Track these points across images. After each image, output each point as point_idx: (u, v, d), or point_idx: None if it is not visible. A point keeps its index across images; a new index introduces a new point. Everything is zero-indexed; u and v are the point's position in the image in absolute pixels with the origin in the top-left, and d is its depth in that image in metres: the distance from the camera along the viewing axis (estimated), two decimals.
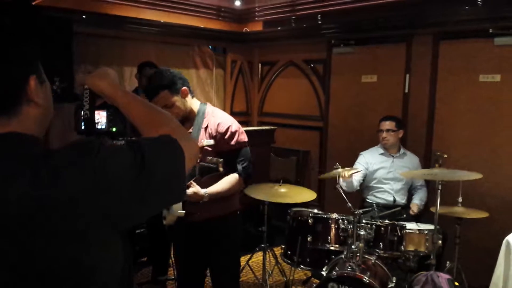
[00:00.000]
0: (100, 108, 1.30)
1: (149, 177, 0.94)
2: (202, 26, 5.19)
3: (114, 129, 1.34)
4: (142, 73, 4.07)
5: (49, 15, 3.97)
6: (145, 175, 0.94)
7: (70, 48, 4.10)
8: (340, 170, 3.29)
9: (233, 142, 2.44)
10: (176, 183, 1.04)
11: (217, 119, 2.46)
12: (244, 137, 2.50)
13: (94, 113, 1.32)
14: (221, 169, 2.26)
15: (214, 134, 2.42)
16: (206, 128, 2.46)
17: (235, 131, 2.45)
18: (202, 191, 2.34)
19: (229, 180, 2.44)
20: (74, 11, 4.16)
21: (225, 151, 2.42)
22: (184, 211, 2.35)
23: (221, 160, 2.27)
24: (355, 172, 3.67)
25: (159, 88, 2.38)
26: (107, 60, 4.70)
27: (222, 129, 2.42)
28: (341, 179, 3.72)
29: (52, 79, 3.69)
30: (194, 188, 2.31)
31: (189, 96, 2.47)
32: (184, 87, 2.43)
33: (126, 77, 4.83)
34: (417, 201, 3.85)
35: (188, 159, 1.04)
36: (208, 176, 2.38)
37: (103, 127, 1.34)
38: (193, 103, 2.51)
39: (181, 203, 2.34)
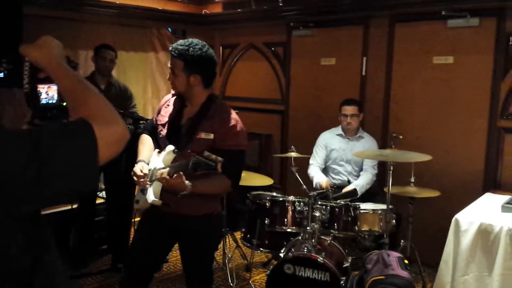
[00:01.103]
0: (47, 80, 1.23)
1: (41, 166, 0.91)
2: (160, 8, 5.08)
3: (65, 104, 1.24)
4: (99, 54, 3.96)
5: None
6: (37, 165, 0.90)
7: (20, 31, 3.94)
8: (293, 154, 3.32)
9: (232, 143, 2.27)
10: (81, 173, 0.98)
11: (223, 114, 2.31)
12: (245, 141, 2.36)
13: (36, 87, 1.25)
14: (219, 169, 2.02)
15: (215, 128, 2.26)
16: (210, 118, 2.30)
17: (238, 132, 2.30)
18: (187, 182, 2.14)
19: (218, 182, 2.25)
20: None
21: (222, 149, 2.20)
22: (160, 201, 2.26)
23: (222, 159, 2.00)
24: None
25: (180, 56, 2.24)
26: (62, 43, 4.54)
27: (226, 125, 2.26)
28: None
29: (0, 61, 3.54)
30: (179, 177, 2.11)
31: (200, 85, 2.30)
32: (196, 76, 2.26)
33: (81, 60, 4.68)
34: (359, 182, 3.88)
35: (105, 145, 0.99)
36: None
37: (54, 101, 1.27)
38: (202, 93, 2.33)
39: (159, 191, 2.24)
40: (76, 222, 3.92)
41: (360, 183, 3.85)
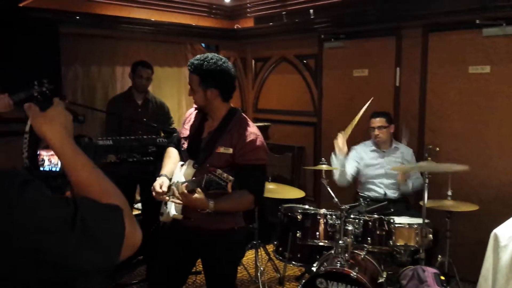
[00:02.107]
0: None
1: (79, 236, 0.87)
2: (193, 24, 5.19)
3: None
4: (136, 72, 4.07)
5: (35, 17, 3.98)
6: (76, 234, 0.87)
7: (57, 49, 4.10)
8: (325, 166, 3.29)
9: (252, 158, 2.23)
10: (106, 249, 0.93)
11: (242, 128, 2.27)
12: (265, 155, 2.31)
13: (36, 156, 1.15)
14: (229, 189, 2.01)
15: (235, 142, 2.24)
16: (229, 132, 2.28)
17: (258, 147, 2.25)
18: (210, 202, 2.14)
19: (240, 198, 2.23)
20: (62, 11, 4.16)
21: (241, 164, 2.23)
22: (181, 215, 2.28)
23: (232, 179, 2.00)
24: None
25: (195, 71, 2.24)
26: (98, 60, 4.70)
27: (245, 140, 2.23)
28: (337, 174, 3.76)
29: (41, 81, 3.68)
30: (199, 195, 2.12)
31: (217, 98, 2.28)
32: (213, 90, 2.25)
33: (117, 77, 4.83)
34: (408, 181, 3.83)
35: (125, 244, 0.94)
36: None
37: (57, 169, 1.11)
38: (221, 106, 2.33)
39: (180, 206, 2.25)
40: None
41: (413, 181, 3.82)
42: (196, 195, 2.13)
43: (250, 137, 2.24)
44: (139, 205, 4.18)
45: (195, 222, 2.30)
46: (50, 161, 1.22)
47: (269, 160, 5.44)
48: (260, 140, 2.27)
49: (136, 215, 4.23)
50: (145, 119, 3.95)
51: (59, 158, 1.05)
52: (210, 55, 2.27)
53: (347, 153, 3.89)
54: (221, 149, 2.25)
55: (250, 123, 2.34)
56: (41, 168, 1.16)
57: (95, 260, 0.91)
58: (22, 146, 1.12)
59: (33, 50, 3.86)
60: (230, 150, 2.23)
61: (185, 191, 2.13)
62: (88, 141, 1.21)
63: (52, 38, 4.07)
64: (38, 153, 1.14)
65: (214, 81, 2.24)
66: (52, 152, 1.06)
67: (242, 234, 2.44)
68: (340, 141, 3.79)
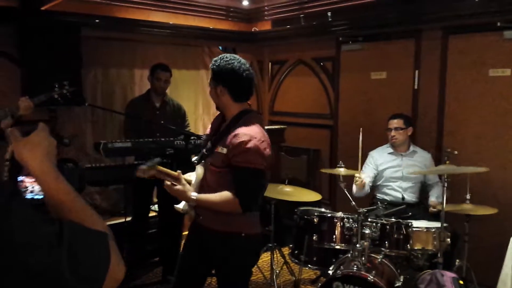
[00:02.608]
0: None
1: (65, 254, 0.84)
2: (211, 27, 5.23)
3: None
4: (154, 75, 4.11)
5: (57, 20, 4.05)
6: (63, 251, 0.84)
7: (78, 52, 4.17)
8: (342, 170, 3.28)
9: (241, 160, 2.18)
10: (90, 273, 0.89)
11: (240, 128, 2.23)
12: (258, 159, 2.19)
13: (17, 181, 1.07)
14: (153, 172, 2.22)
15: (229, 142, 2.22)
16: (230, 132, 2.27)
17: (248, 149, 2.17)
18: (192, 193, 2.24)
19: (223, 199, 2.22)
20: (83, 15, 4.23)
21: (232, 165, 2.21)
22: (182, 208, 2.38)
23: (156, 160, 2.20)
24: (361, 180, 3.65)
25: (211, 67, 2.31)
26: (117, 63, 4.77)
27: (236, 141, 2.19)
28: (355, 187, 3.73)
29: (62, 83, 3.74)
30: (180, 186, 2.23)
31: (227, 97, 2.29)
32: (222, 87, 2.27)
33: (136, 79, 4.89)
34: (434, 198, 3.77)
35: (109, 274, 0.90)
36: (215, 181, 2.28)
37: (40, 197, 1.02)
38: (232, 106, 2.32)
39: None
40: (129, 234, 4.05)
41: (438, 195, 3.72)
42: (177, 186, 2.24)
43: (242, 138, 2.18)
44: (156, 207, 4.21)
45: (204, 220, 2.36)
46: (33, 187, 1.18)
47: (284, 163, 5.47)
48: (254, 143, 2.18)
49: (152, 216, 4.27)
50: (162, 122, 3.98)
51: (39, 185, 0.99)
52: (229, 55, 2.29)
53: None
54: (219, 149, 2.27)
55: (255, 124, 2.27)
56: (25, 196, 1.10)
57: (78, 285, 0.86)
58: (2, 174, 1.04)
59: (55, 53, 3.93)
60: (225, 150, 2.23)
61: (169, 184, 2.25)
62: (73, 166, 1.18)
63: (74, 41, 4.14)
64: (21, 180, 1.08)
65: (222, 79, 2.26)
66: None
67: (252, 241, 2.35)
68: (359, 181, 3.71)
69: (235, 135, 2.20)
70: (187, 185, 2.27)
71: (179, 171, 2.30)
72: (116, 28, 4.57)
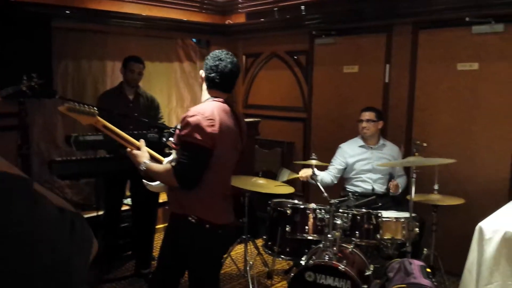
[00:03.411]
0: None
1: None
2: (184, 19, 5.18)
3: None
4: (128, 67, 4.05)
5: (27, 11, 3.95)
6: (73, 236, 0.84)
7: (49, 44, 4.09)
8: (314, 162, 3.33)
9: (182, 132, 2.27)
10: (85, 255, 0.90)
11: (194, 107, 2.35)
12: (193, 133, 2.22)
13: None
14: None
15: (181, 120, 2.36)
16: None
17: (187, 122, 2.24)
18: (145, 160, 2.38)
19: (164, 167, 2.34)
20: (54, 6, 4.14)
21: (178, 139, 2.34)
22: (148, 183, 2.47)
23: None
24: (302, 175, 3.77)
25: None
26: (89, 55, 4.69)
27: (182, 116, 2.31)
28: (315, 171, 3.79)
29: (30, 76, 3.66)
30: (135, 151, 2.41)
31: (204, 84, 2.45)
32: (203, 74, 2.44)
33: (108, 71, 4.82)
34: (397, 181, 3.86)
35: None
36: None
37: None
38: (204, 94, 2.47)
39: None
40: (101, 228, 4.02)
41: (401, 183, 3.86)
42: (134, 151, 2.42)
43: (188, 113, 2.28)
44: (129, 201, 4.18)
45: (169, 206, 2.51)
46: None
47: (258, 156, 5.48)
48: (197, 117, 2.23)
49: (126, 210, 4.25)
50: (136, 114, 3.95)
51: None
52: (225, 50, 2.46)
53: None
54: (178, 127, 2.37)
55: (211, 105, 2.33)
56: None
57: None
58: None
59: (25, 44, 3.84)
60: (179, 126, 2.35)
61: (128, 150, 2.44)
62: None
63: (44, 33, 4.05)
64: None
65: (204, 68, 2.44)
66: None
67: (214, 230, 2.37)
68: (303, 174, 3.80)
69: (186, 112, 2.33)
70: (146, 153, 2.42)
71: (142, 140, 2.48)
72: (88, 20, 4.48)
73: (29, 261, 0.76)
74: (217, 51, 2.43)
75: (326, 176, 3.99)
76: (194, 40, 5.64)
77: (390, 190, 3.82)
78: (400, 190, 3.83)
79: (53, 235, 0.81)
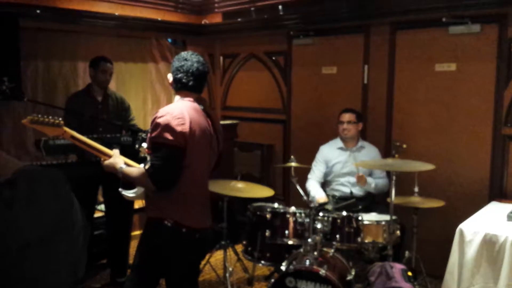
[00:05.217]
0: None
1: None
2: (159, 19, 5.05)
3: None
4: (99, 68, 3.90)
5: None
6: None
7: (17, 44, 3.92)
8: (293, 164, 3.25)
9: (151, 134, 2.23)
10: None
11: (163, 108, 2.32)
12: (162, 134, 2.19)
13: None
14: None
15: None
16: None
17: (158, 124, 2.19)
18: (121, 165, 2.36)
19: (139, 170, 2.30)
20: (22, 5, 3.96)
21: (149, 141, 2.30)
22: (124, 191, 2.44)
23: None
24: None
25: None
26: (59, 55, 4.52)
27: (152, 117, 2.27)
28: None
29: (1, 79, 3.50)
30: (111, 159, 2.39)
31: (172, 86, 2.42)
32: (170, 77, 2.40)
33: (79, 72, 4.65)
34: (371, 179, 3.84)
35: None
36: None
37: None
38: (175, 98, 2.42)
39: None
40: None
41: (377, 182, 3.83)
42: (107, 161, 2.40)
43: (156, 114, 2.25)
44: (102, 207, 4.04)
45: (147, 211, 2.43)
46: None
47: (237, 159, 5.41)
48: (166, 118, 2.19)
49: (99, 217, 4.10)
50: (105, 116, 3.81)
51: None
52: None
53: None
54: (149, 132, 2.32)
55: (180, 105, 2.30)
56: None
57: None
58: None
59: None
60: (149, 129, 2.30)
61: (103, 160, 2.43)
62: None
63: (12, 33, 3.88)
64: None
65: (172, 69, 2.41)
66: None
67: (190, 235, 2.31)
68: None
69: (155, 113, 2.28)
70: (118, 159, 2.40)
71: (116, 150, 2.45)
72: (58, 19, 4.31)
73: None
74: (182, 52, 2.43)
75: (317, 186, 3.98)
76: (169, 40, 5.51)
77: (357, 183, 3.79)
78: (369, 183, 3.80)
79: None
